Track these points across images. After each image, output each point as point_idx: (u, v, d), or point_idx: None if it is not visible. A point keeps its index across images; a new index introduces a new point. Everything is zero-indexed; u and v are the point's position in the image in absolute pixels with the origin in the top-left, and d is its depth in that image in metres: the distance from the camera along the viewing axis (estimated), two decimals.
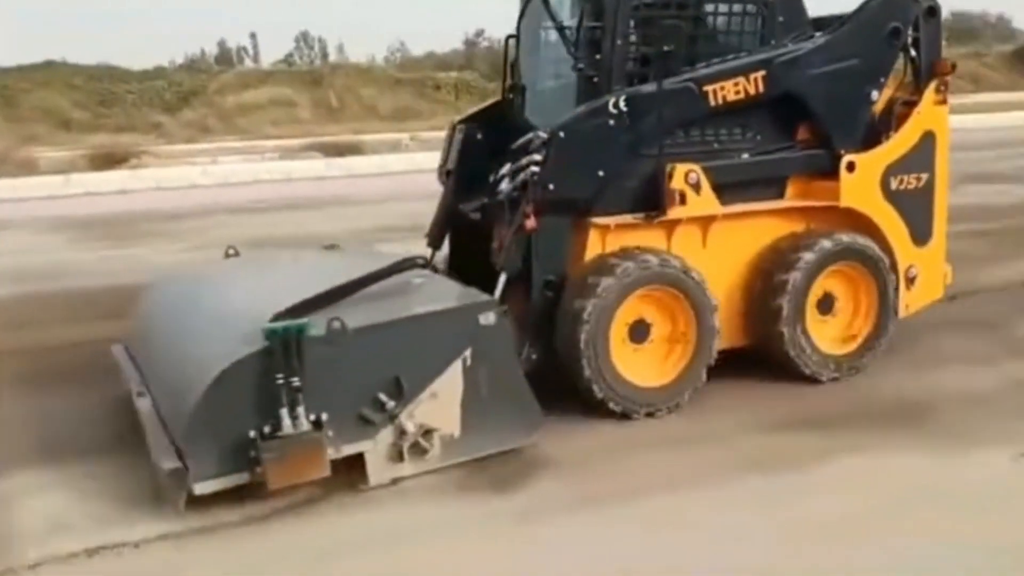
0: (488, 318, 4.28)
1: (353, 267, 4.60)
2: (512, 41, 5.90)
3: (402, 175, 16.51)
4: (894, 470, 4.31)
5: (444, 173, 5.92)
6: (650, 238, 4.95)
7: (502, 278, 4.67)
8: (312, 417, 3.96)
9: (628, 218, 4.92)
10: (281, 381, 3.87)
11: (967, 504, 3.97)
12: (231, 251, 5.84)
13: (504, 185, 5.00)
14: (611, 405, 4.75)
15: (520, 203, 4.74)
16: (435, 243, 5.74)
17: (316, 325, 3.98)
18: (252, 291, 4.87)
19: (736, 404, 5.03)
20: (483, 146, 5.70)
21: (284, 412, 3.89)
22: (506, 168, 5.04)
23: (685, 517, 3.91)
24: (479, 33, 44.29)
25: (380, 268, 4.56)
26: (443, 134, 6.12)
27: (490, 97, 6.76)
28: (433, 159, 6.77)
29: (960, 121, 11.56)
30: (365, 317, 4.12)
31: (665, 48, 4.84)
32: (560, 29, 5.09)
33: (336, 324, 3.99)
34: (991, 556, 3.54)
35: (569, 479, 4.26)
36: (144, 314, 5.45)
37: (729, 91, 4.97)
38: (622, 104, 4.74)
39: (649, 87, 4.82)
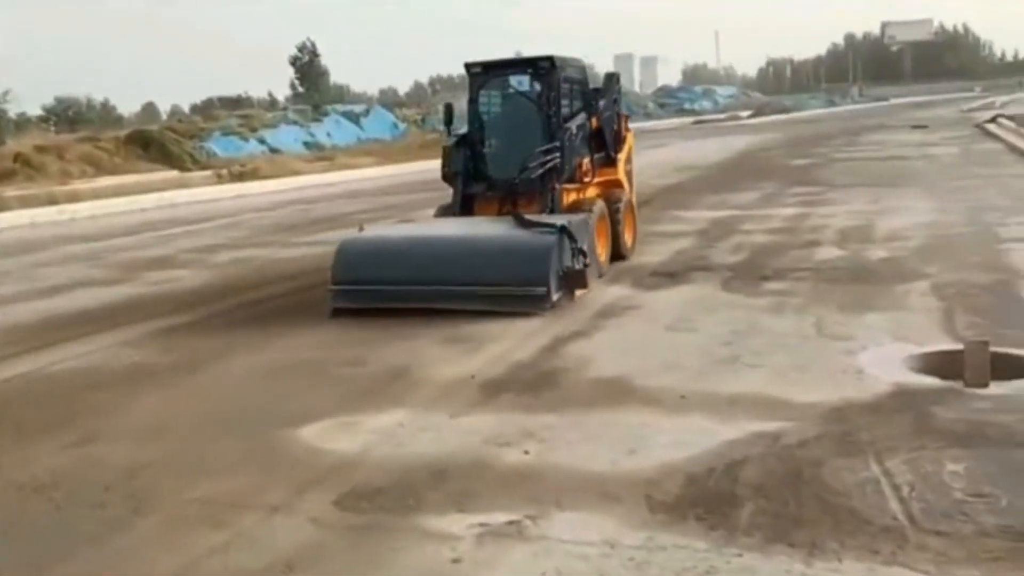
0: (586, 220, 9.16)
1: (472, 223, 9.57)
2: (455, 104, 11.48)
3: None
4: None
5: (452, 174, 10.04)
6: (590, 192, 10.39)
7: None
8: (579, 262, 8.40)
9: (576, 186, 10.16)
10: (570, 246, 8.27)
11: None
12: (362, 227, 9.95)
13: (534, 174, 9.60)
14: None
15: (546, 181, 9.61)
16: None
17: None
18: (458, 226, 9.43)
19: None
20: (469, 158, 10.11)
21: (570, 259, 8.33)
22: (533, 163, 9.58)
23: None
24: None
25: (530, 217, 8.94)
26: None
27: None
28: None
29: None
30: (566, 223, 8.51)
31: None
32: (533, 99, 10.04)
33: (564, 223, 8.43)
34: None
35: None
36: (383, 250, 8.96)
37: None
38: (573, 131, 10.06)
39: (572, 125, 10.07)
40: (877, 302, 7.71)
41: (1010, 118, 34.22)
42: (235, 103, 72.35)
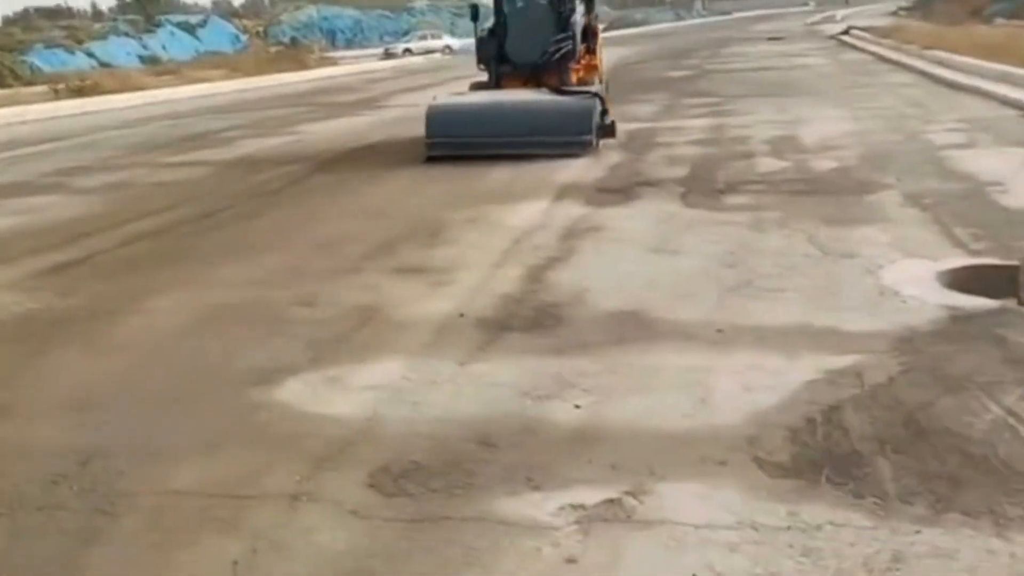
0: (605, 90, 12.59)
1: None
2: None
3: None
4: None
5: (487, 58, 12.59)
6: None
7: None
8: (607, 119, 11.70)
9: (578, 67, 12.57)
10: (600, 108, 11.41)
11: None
12: (435, 97, 12.11)
13: (554, 57, 12.16)
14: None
15: (562, 62, 12.20)
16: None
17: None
18: (510, 95, 11.86)
19: None
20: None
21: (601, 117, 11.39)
22: (552, 48, 12.14)
23: None
24: None
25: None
26: None
27: None
28: None
29: None
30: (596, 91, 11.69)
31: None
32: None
33: (596, 91, 11.63)
34: None
35: None
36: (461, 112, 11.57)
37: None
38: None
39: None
40: (858, 215, 7.24)
41: (864, 29, 35.07)
42: (54, 13, 66.60)
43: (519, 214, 8.14)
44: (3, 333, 5.62)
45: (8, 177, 12.36)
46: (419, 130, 11.57)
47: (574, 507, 3.25)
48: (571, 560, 2.94)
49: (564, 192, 8.99)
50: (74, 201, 10.25)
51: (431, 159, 11.08)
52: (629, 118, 14.61)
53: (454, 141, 11.06)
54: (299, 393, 4.45)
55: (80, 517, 3.41)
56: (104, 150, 14.82)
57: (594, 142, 11.03)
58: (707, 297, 5.47)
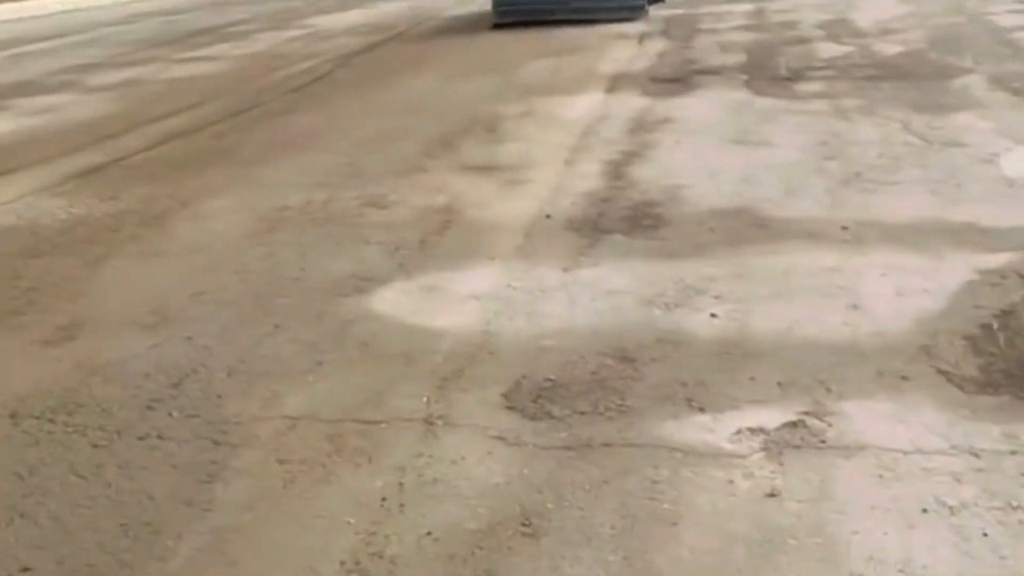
0: None
1: None
2: None
3: None
4: None
5: None
6: None
7: None
8: None
9: None
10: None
11: None
12: None
13: None
14: None
15: None
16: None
17: None
18: None
19: None
20: None
21: None
22: None
23: None
24: None
25: None
26: None
27: None
28: None
29: None
30: None
31: None
32: None
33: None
34: None
35: None
36: None
37: None
38: None
39: None
40: (947, 101, 6.77)
41: None
42: None
43: (574, 107, 7.63)
44: (53, 242, 5.18)
45: (14, 76, 11.69)
46: (438, 21, 10.94)
47: (752, 431, 2.89)
48: (773, 494, 2.59)
49: (615, 83, 8.46)
50: (90, 100, 9.65)
51: (498, 26, 12.44)
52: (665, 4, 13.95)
53: (521, 8, 12.57)
54: (397, 304, 4.06)
55: (190, 448, 3.05)
56: (109, 47, 14.06)
57: (645, 6, 12.80)
58: (816, 192, 5.04)
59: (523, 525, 2.54)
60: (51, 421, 3.25)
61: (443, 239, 4.84)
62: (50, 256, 4.92)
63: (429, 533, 2.53)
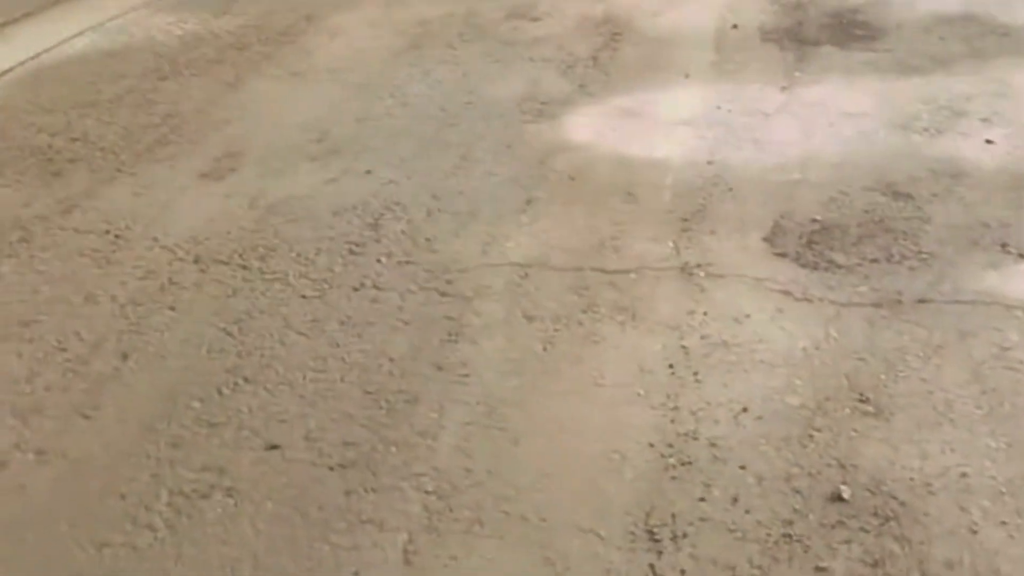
0: None
1: None
2: None
3: None
4: None
5: None
6: None
7: None
8: None
9: None
10: None
11: None
12: None
13: None
14: None
15: None
16: None
17: None
18: None
19: None
20: None
21: None
22: None
23: None
24: None
25: None
26: None
27: None
28: None
29: None
30: None
31: None
32: None
33: None
34: None
35: None
36: None
37: None
38: None
39: None
40: None
41: None
42: None
43: None
44: (177, 63, 4.64)
45: None
46: None
47: None
48: None
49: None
50: None
51: None
52: None
53: None
54: (595, 131, 3.53)
55: (415, 301, 2.63)
56: None
57: None
58: None
59: (860, 401, 2.12)
60: (244, 267, 2.85)
61: (618, 54, 4.24)
62: (180, 78, 4.41)
63: (745, 410, 2.12)
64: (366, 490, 2.01)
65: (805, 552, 1.77)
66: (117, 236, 3.04)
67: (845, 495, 1.87)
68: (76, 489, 2.07)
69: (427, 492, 1.99)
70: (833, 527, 1.81)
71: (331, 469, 2.07)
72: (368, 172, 3.38)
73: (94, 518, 1.99)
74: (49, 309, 2.68)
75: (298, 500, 1.99)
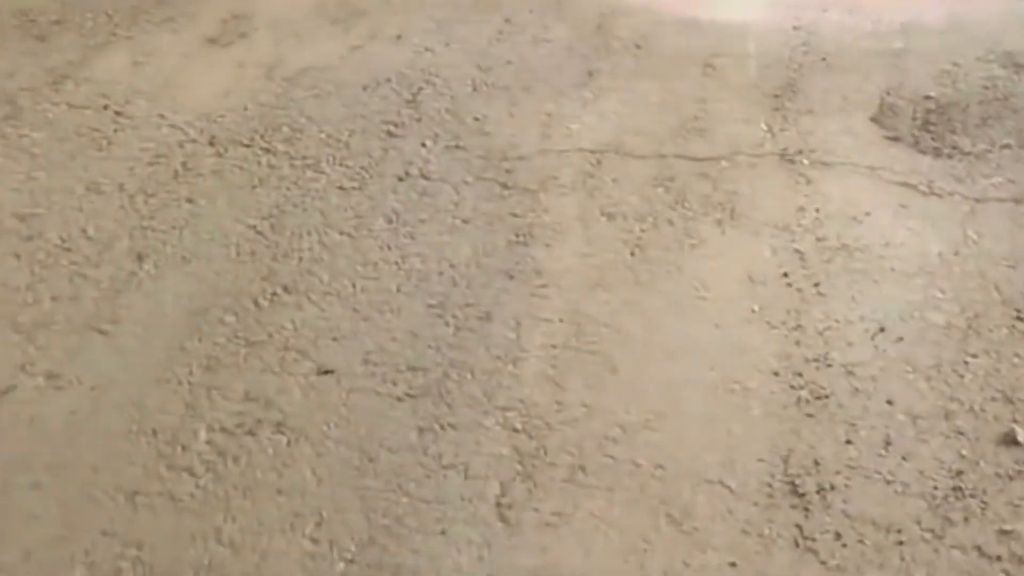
0: None
1: None
2: None
3: None
4: None
5: None
6: None
7: None
8: None
9: None
10: None
11: None
12: None
13: None
14: None
15: None
16: None
17: None
18: None
19: None
20: None
21: None
22: None
23: None
24: None
25: None
26: None
27: None
28: None
29: None
30: None
31: None
32: None
33: None
34: None
35: None
36: None
37: None
38: None
39: None
40: None
41: None
42: None
43: None
44: None
45: None
46: None
47: None
48: None
49: None
50: None
51: None
52: None
53: None
54: None
55: (472, 194, 2.26)
56: None
57: None
58: None
59: (1018, 319, 1.81)
60: (268, 151, 2.46)
61: None
62: None
63: (883, 330, 1.81)
64: (443, 426, 1.70)
65: (983, 511, 1.49)
66: (118, 112, 2.63)
67: (1020, 437, 1.58)
68: (97, 423, 1.76)
69: (515, 430, 1.69)
70: (1012, 478, 1.53)
71: (399, 400, 1.76)
72: (399, 37, 2.94)
73: (121, 459, 1.69)
74: (47, 200, 2.31)
75: (364, 440, 1.69)
